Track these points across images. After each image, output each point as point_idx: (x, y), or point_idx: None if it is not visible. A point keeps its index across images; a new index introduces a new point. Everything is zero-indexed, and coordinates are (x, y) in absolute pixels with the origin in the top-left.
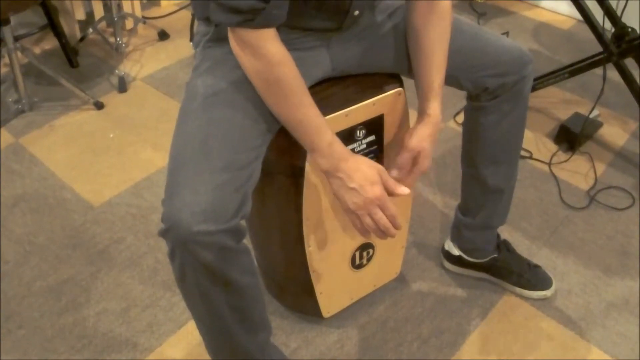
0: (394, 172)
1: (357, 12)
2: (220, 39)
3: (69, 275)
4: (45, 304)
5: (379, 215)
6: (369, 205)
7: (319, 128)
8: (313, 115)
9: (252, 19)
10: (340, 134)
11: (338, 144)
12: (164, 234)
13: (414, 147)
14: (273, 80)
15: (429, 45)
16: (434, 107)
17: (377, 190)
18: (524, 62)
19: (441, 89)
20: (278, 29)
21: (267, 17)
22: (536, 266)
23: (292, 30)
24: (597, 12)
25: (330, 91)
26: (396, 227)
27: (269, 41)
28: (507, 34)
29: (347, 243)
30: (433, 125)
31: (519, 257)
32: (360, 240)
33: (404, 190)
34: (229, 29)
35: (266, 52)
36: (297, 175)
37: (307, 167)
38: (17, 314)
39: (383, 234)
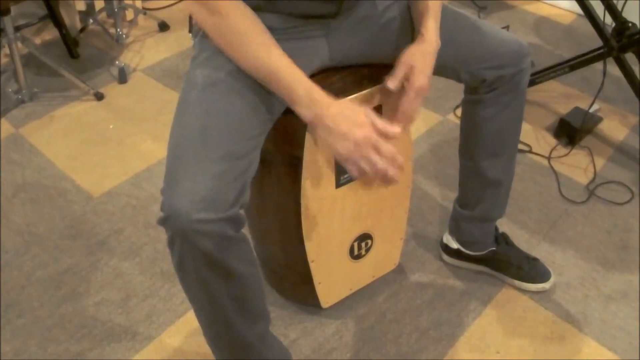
0: (390, 83)
1: None
2: None
3: (68, 265)
4: (45, 294)
5: (375, 157)
6: (361, 147)
7: (293, 77)
8: (284, 65)
9: None
10: None
11: (317, 91)
12: (163, 222)
13: (404, 61)
14: (231, 33)
15: None
16: (429, 27)
17: (365, 131)
18: (521, 54)
19: (437, 10)
20: (276, 16)
21: None
22: (535, 259)
23: (289, 19)
24: (598, 7)
25: (328, 81)
26: (397, 167)
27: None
28: (507, 27)
29: (346, 233)
30: (426, 42)
31: (518, 250)
32: (358, 230)
33: (395, 129)
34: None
35: (218, 5)
36: (295, 165)
37: (305, 156)
38: (16, 304)
39: (386, 179)
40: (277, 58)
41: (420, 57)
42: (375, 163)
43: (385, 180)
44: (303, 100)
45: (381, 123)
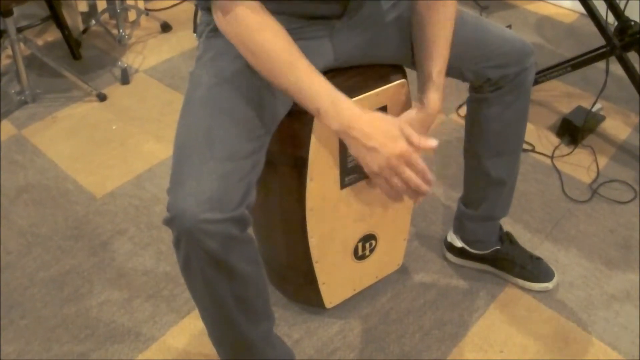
0: None
1: None
2: None
3: (71, 266)
4: (48, 295)
5: (407, 173)
6: (393, 163)
7: (318, 88)
8: (307, 76)
9: None
10: None
11: (344, 101)
12: (169, 222)
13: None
14: (257, 47)
15: (431, 31)
16: (431, 97)
17: (400, 146)
18: (525, 53)
19: (441, 79)
20: (280, 17)
21: None
22: (538, 258)
23: (294, 20)
24: (600, 6)
25: (332, 82)
26: (427, 182)
27: (250, 9)
28: (510, 27)
29: (350, 234)
30: (426, 114)
31: (522, 249)
32: (363, 231)
33: (431, 141)
34: (212, 2)
35: (245, 18)
36: (299, 166)
37: (310, 157)
38: (19, 305)
39: (415, 193)
40: (300, 72)
41: (418, 128)
42: (408, 179)
43: (415, 195)
44: (329, 110)
45: (417, 137)
